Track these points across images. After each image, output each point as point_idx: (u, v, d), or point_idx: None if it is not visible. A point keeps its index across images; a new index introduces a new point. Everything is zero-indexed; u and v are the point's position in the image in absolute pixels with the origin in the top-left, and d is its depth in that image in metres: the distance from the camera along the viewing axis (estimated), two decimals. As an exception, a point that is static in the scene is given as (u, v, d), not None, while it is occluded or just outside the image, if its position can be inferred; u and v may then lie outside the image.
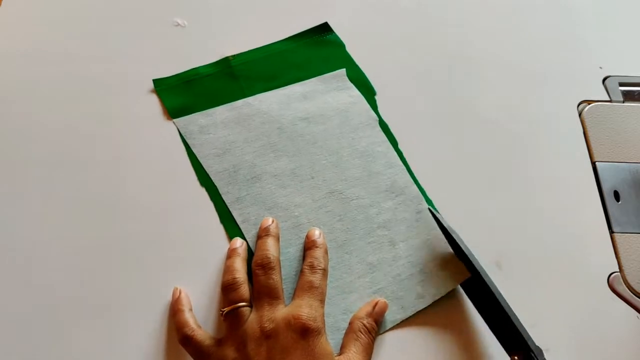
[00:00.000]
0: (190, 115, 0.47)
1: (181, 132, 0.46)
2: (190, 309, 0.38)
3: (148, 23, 0.53)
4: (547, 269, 0.42)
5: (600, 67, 0.53)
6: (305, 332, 0.34)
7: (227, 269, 0.39)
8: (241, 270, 0.38)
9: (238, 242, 0.41)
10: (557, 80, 0.52)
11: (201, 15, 0.54)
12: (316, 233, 0.41)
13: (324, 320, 0.37)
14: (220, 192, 0.44)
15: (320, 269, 0.39)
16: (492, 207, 0.45)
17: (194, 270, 0.40)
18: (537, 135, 0.49)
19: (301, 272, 0.39)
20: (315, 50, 0.52)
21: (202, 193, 0.44)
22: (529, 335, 0.36)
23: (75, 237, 0.42)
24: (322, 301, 0.38)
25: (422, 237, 0.42)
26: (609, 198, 0.46)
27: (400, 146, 0.47)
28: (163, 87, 0.48)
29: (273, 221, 0.42)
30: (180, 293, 0.38)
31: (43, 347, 0.38)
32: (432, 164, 0.46)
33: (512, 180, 0.46)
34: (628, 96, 0.51)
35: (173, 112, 0.47)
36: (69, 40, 0.51)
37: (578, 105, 0.51)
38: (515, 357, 0.37)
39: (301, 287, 0.38)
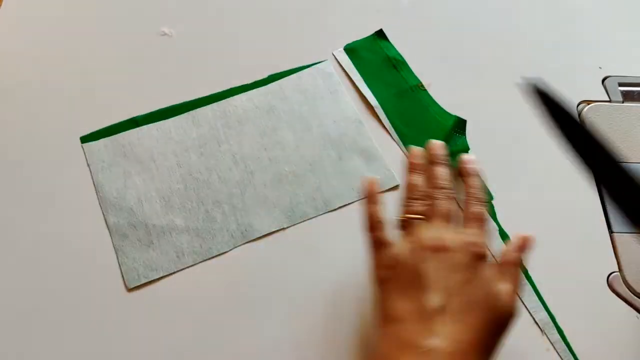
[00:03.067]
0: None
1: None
2: (381, 203, 0.40)
3: (136, 30, 0.53)
4: (547, 269, 0.42)
5: (600, 67, 0.53)
6: (480, 258, 0.36)
7: (410, 185, 0.40)
8: (423, 186, 0.40)
9: (417, 154, 0.42)
10: (557, 80, 0.51)
11: (188, 23, 0.53)
12: (472, 158, 0.43)
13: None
14: None
15: (484, 201, 0.40)
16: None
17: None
18: (537, 135, 0.49)
19: (467, 201, 0.40)
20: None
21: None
22: None
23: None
24: (487, 231, 0.39)
25: None
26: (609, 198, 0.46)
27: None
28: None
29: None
30: (375, 186, 0.40)
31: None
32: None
33: (512, 180, 0.47)
34: (627, 96, 0.51)
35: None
36: (69, 41, 0.51)
37: (578, 105, 0.51)
38: None
39: (472, 217, 0.39)
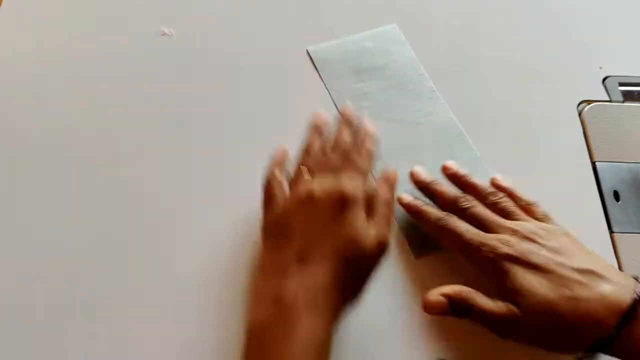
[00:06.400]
0: None
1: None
2: (283, 167, 0.41)
3: (135, 30, 0.53)
4: (547, 269, 0.42)
5: (600, 67, 0.53)
6: (345, 203, 0.36)
7: (308, 143, 0.42)
8: (319, 146, 0.41)
9: (321, 118, 0.43)
10: (557, 80, 0.52)
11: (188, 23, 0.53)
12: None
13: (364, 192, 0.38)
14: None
15: (368, 151, 0.41)
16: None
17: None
18: (537, 135, 0.49)
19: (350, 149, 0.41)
20: None
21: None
22: None
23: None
24: (363, 175, 0.39)
25: None
26: (609, 198, 0.46)
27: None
28: None
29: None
30: (285, 154, 0.42)
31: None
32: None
33: (511, 180, 0.46)
34: (628, 96, 0.51)
35: None
36: (68, 41, 0.52)
37: (578, 105, 0.51)
38: None
39: (349, 163, 0.39)
